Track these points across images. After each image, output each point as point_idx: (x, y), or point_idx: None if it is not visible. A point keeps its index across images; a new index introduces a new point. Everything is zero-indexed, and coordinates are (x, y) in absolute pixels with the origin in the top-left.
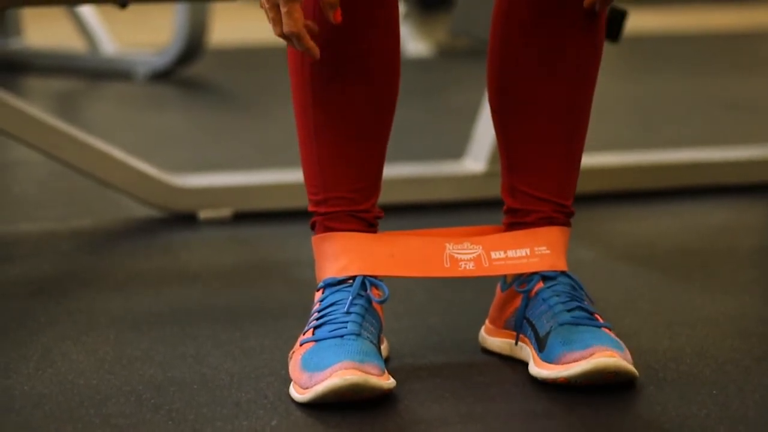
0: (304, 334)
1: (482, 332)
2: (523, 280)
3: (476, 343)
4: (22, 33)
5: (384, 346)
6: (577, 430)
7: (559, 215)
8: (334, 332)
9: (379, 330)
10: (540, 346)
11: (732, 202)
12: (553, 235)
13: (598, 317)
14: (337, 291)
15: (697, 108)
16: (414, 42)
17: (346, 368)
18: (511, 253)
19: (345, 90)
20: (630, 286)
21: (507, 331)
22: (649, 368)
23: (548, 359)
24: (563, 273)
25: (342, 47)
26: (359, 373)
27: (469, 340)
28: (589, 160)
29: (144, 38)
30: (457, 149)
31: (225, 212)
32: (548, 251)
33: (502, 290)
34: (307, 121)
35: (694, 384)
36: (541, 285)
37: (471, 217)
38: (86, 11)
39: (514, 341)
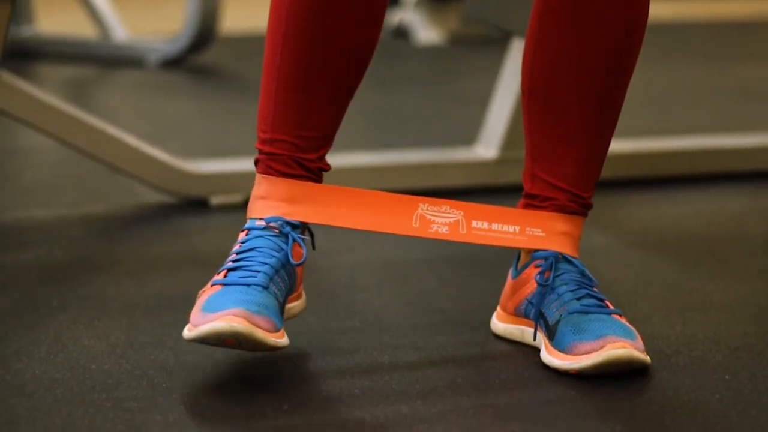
0: (217, 274)
1: (494, 318)
2: (538, 264)
3: (488, 328)
4: (34, 20)
5: (299, 303)
6: (590, 415)
7: (573, 205)
8: (243, 279)
9: (290, 288)
10: (550, 334)
11: (744, 189)
12: (556, 221)
13: (608, 304)
14: (260, 237)
15: (709, 95)
16: (426, 30)
17: (235, 315)
18: (495, 227)
19: (317, 38)
20: (642, 272)
21: (518, 317)
22: (661, 353)
23: (559, 347)
24: (566, 259)
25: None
26: (246, 323)
27: (482, 326)
28: None
29: (156, 25)
30: (468, 136)
31: (236, 198)
32: (542, 234)
33: (513, 277)
34: (274, 59)
35: (707, 369)
36: (549, 274)
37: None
38: None
39: (524, 327)
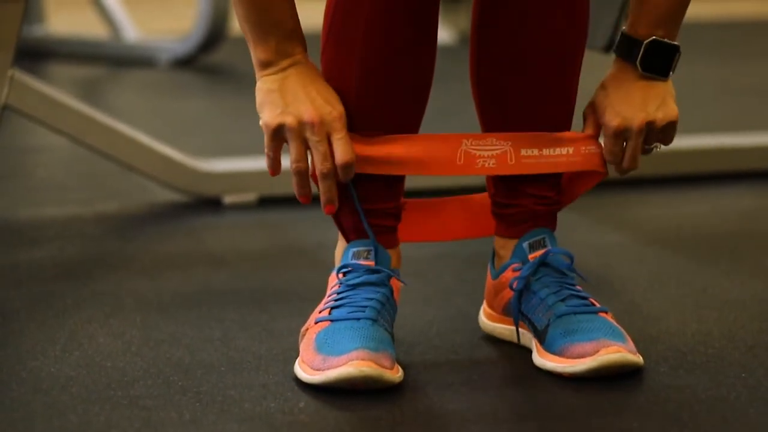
0: (320, 312)
1: (482, 316)
2: (516, 268)
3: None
4: (45, 20)
5: None
6: (607, 412)
7: (541, 208)
8: (351, 314)
9: (393, 321)
10: (540, 338)
11: (759, 187)
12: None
13: (593, 302)
14: (359, 276)
15: (723, 94)
16: None
17: (361, 359)
18: (546, 152)
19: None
20: (657, 270)
21: (507, 317)
22: (677, 351)
23: (551, 350)
24: (543, 262)
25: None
26: (374, 365)
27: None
28: None
29: (166, 25)
30: None
31: (250, 196)
32: (597, 150)
33: (493, 277)
34: None
35: (723, 366)
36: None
37: None
38: None
39: (513, 327)
